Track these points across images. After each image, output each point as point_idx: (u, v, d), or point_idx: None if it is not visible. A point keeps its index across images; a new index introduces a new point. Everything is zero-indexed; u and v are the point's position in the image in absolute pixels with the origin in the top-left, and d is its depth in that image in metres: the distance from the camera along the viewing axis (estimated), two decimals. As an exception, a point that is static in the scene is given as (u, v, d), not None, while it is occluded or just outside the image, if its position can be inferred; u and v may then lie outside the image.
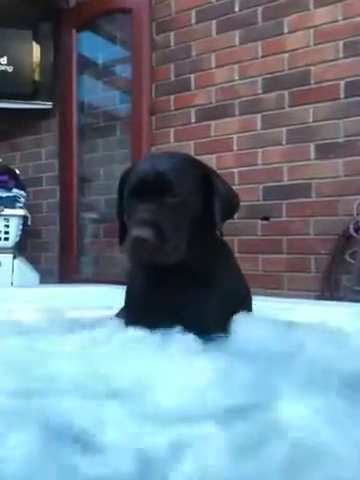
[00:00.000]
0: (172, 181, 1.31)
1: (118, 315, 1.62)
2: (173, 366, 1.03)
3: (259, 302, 1.57)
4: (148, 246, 1.24)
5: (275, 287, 3.01)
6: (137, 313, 1.43)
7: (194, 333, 1.25)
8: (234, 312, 1.38)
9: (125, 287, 1.56)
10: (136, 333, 1.27)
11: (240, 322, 1.33)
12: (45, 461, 0.67)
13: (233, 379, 0.97)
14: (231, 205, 1.46)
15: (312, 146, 2.98)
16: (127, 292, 1.54)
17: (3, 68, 3.86)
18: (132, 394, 0.90)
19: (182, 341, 1.20)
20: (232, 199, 1.47)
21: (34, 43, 3.97)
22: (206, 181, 1.39)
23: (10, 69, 3.88)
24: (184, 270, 1.35)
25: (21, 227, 3.69)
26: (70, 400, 0.85)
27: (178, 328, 1.24)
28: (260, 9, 3.17)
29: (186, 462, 0.68)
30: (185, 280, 1.37)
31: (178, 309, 1.35)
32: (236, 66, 3.25)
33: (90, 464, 0.68)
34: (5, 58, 3.87)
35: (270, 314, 1.61)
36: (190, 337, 1.23)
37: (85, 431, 0.75)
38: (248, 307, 1.51)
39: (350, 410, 0.85)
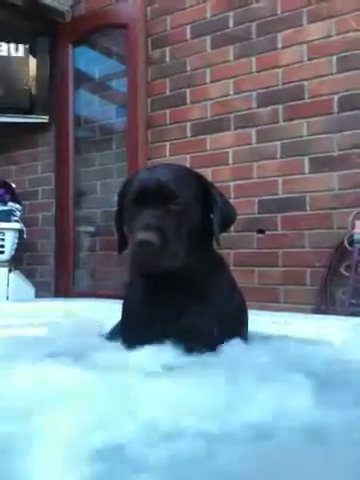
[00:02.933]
0: (174, 189, 1.34)
1: (111, 334, 1.62)
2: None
3: (254, 316, 1.57)
4: (153, 250, 1.26)
5: (271, 300, 3.01)
6: (134, 327, 1.43)
7: (192, 348, 1.26)
8: (231, 326, 1.39)
9: (121, 301, 1.56)
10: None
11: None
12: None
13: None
14: (229, 216, 1.49)
15: (306, 160, 3.00)
16: (124, 305, 1.54)
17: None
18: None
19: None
20: (229, 211, 1.50)
21: (31, 57, 3.99)
22: (204, 192, 1.42)
23: (7, 83, 3.90)
24: (182, 281, 1.36)
25: (17, 240, 3.69)
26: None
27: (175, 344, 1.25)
28: (254, 25, 3.21)
29: None
30: (182, 292, 1.38)
31: (176, 322, 1.35)
32: (231, 81, 3.28)
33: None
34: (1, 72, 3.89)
35: (266, 328, 1.62)
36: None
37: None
38: (245, 321, 1.51)
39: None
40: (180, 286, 1.37)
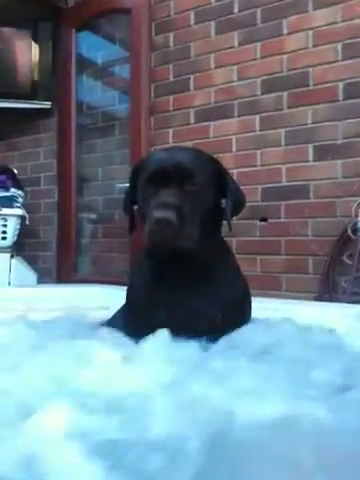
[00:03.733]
0: (192, 170, 1.34)
1: (111, 322, 1.61)
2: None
3: (257, 303, 1.57)
4: (170, 228, 1.25)
5: (273, 288, 3.01)
6: (140, 314, 1.43)
7: (196, 332, 1.26)
8: (235, 312, 1.39)
9: (123, 287, 1.56)
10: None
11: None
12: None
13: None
14: (239, 202, 1.50)
15: (311, 147, 2.98)
16: (129, 290, 1.53)
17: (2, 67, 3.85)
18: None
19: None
20: (240, 196, 1.51)
21: (33, 43, 3.96)
22: (218, 176, 1.41)
23: (8, 68, 3.87)
24: (190, 265, 1.36)
25: (19, 227, 3.69)
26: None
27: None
28: (259, 10, 3.17)
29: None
30: (189, 276, 1.38)
31: (182, 306, 1.35)
32: (235, 67, 3.25)
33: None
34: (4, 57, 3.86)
35: (268, 315, 1.62)
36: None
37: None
38: (248, 308, 1.51)
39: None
40: (188, 270, 1.37)
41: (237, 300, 1.45)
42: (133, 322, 1.41)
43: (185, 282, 1.38)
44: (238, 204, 1.48)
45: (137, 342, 1.24)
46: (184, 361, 1.11)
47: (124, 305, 1.57)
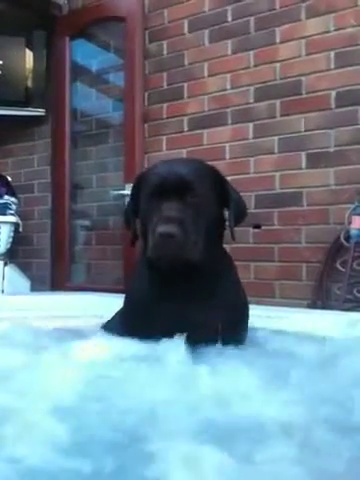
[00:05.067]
0: (193, 182, 1.35)
1: (106, 326, 1.61)
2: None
3: (251, 310, 1.57)
4: (174, 242, 1.26)
5: (267, 295, 3.01)
6: (138, 321, 1.42)
7: (196, 341, 1.26)
8: (234, 324, 1.41)
9: (117, 295, 1.55)
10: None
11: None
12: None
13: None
14: (242, 211, 1.50)
15: (303, 155, 3.00)
16: (128, 298, 1.52)
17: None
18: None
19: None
20: (242, 205, 1.52)
21: (27, 50, 3.97)
22: (219, 186, 1.42)
23: (3, 76, 3.88)
24: (192, 275, 1.36)
25: (12, 234, 3.69)
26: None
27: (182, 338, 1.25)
28: (252, 19, 3.20)
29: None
30: (191, 286, 1.38)
31: (182, 316, 1.35)
32: (228, 75, 3.27)
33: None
34: (-2, 65, 3.87)
35: (262, 322, 1.62)
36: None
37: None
38: (246, 321, 1.52)
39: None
40: (190, 279, 1.37)
41: (238, 310, 1.46)
42: (131, 329, 1.40)
43: (186, 291, 1.38)
44: (240, 213, 1.48)
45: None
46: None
47: (121, 312, 1.56)
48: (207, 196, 1.37)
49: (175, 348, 1.20)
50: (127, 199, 3.45)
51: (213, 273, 1.42)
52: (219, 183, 1.43)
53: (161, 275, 1.40)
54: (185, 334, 1.25)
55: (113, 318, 1.64)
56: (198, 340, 1.28)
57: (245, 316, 1.50)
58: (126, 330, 1.41)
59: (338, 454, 0.74)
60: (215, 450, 0.72)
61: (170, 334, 1.26)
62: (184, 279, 1.37)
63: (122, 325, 1.48)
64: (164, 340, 1.24)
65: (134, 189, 1.47)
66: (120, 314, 1.58)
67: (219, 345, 1.31)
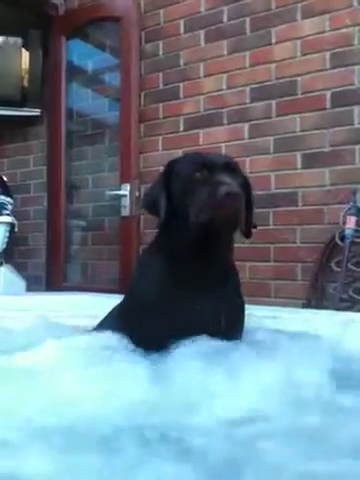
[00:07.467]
0: (236, 164, 1.39)
1: (101, 325, 1.59)
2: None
3: (246, 310, 1.57)
4: (238, 200, 1.28)
5: (262, 295, 3.02)
6: (147, 314, 1.38)
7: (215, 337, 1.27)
8: (235, 320, 1.42)
9: (114, 295, 1.53)
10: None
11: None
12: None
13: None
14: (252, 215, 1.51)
15: (299, 155, 3.00)
16: (134, 288, 1.49)
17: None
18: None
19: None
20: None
21: (23, 50, 3.97)
22: (244, 184, 1.42)
23: (-1, 76, 3.88)
24: (208, 265, 1.36)
25: (8, 234, 3.68)
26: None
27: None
28: (248, 19, 3.20)
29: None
30: (204, 278, 1.37)
31: (193, 308, 1.34)
32: (224, 75, 3.28)
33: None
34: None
35: (257, 322, 1.63)
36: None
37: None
38: (243, 319, 1.52)
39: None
40: (206, 270, 1.37)
41: (239, 309, 1.46)
42: (137, 325, 1.36)
43: (199, 284, 1.36)
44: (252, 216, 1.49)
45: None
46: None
47: (123, 308, 1.51)
48: (243, 184, 1.38)
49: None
50: (126, 198, 3.49)
51: (225, 267, 1.43)
52: (246, 182, 1.45)
53: (176, 261, 1.37)
54: (194, 329, 1.26)
55: (107, 317, 1.61)
56: (204, 333, 1.27)
57: (243, 315, 1.51)
58: (130, 326, 1.36)
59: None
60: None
61: (179, 329, 1.26)
62: (199, 268, 1.35)
63: (125, 321, 1.42)
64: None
65: (165, 175, 1.43)
66: (120, 310, 1.51)
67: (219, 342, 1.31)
